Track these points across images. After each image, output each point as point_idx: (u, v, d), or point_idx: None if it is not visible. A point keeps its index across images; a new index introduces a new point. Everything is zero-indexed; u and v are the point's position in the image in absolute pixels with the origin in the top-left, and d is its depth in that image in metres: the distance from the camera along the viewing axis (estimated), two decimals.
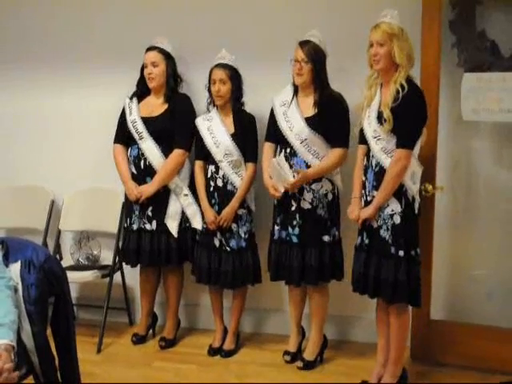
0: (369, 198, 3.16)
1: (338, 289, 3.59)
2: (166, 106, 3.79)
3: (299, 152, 3.44)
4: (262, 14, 3.88)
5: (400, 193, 3.07)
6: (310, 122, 3.42)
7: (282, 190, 3.44)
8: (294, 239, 3.49)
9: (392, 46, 3.02)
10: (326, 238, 3.47)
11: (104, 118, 4.04)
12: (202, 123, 3.72)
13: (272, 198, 3.55)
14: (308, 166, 3.43)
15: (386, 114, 3.03)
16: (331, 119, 3.40)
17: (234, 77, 3.62)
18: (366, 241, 3.18)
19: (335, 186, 3.51)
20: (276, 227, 3.58)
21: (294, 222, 3.48)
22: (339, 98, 3.45)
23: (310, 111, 3.45)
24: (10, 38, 4.29)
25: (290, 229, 3.50)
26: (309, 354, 3.62)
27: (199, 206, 3.75)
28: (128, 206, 3.88)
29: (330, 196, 3.48)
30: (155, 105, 3.82)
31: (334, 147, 3.42)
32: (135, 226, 3.81)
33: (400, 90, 3.01)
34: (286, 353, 3.69)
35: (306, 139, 3.42)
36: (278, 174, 3.42)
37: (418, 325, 3.56)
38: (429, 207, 3.43)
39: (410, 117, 3.03)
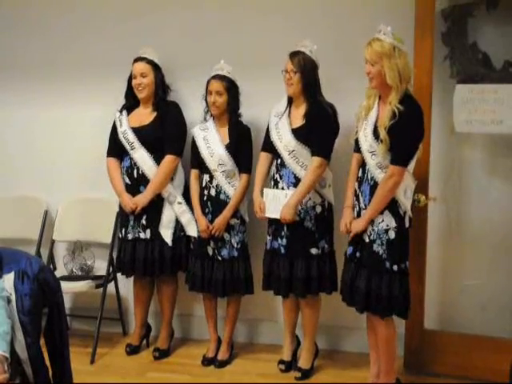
0: (363, 212, 3.15)
1: (330, 299, 3.59)
2: (154, 115, 3.81)
3: (287, 163, 3.46)
4: (257, 25, 3.90)
5: (394, 208, 3.08)
6: (297, 133, 3.44)
7: (275, 217, 3.47)
8: (282, 250, 3.51)
9: (382, 65, 3.00)
10: (314, 251, 3.47)
11: (98, 129, 4.05)
12: (198, 133, 3.74)
13: (256, 214, 3.58)
14: (296, 178, 3.45)
15: (383, 135, 3.01)
16: (316, 129, 3.41)
17: (231, 88, 3.64)
18: (358, 253, 3.17)
19: (325, 199, 3.50)
20: (268, 237, 3.59)
21: (282, 233, 3.50)
22: (328, 108, 3.44)
23: (299, 122, 3.46)
24: (2, 50, 4.30)
25: (279, 239, 3.52)
26: (305, 363, 3.62)
27: (193, 214, 3.76)
28: (123, 217, 3.88)
29: (318, 208, 3.48)
30: (144, 114, 3.84)
31: (312, 155, 3.42)
32: (130, 236, 3.82)
33: (396, 111, 2.99)
34: (281, 362, 3.69)
35: (293, 150, 3.44)
36: (269, 203, 3.50)
37: (411, 335, 3.57)
38: (422, 218, 3.44)
39: (406, 135, 3.02)
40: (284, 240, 3.50)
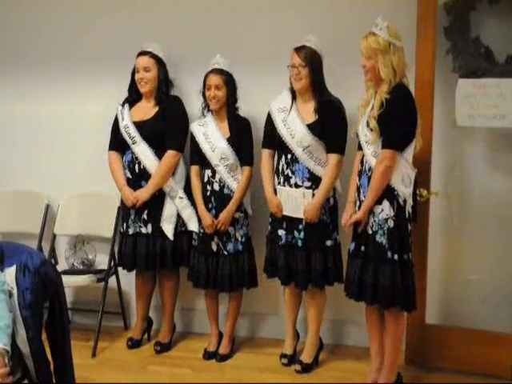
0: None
1: (333, 293, 3.60)
2: (156, 109, 3.81)
3: (301, 159, 3.45)
4: (256, 19, 3.90)
5: (392, 197, 3.08)
6: (313, 128, 3.43)
7: (291, 215, 3.48)
8: (300, 243, 3.50)
9: (377, 60, 3.05)
10: (329, 243, 3.49)
11: (99, 123, 4.05)
12: (197, 129, 3.73)
13: (274, 214, 3.58)
14: (310, 172, 3.45)
15: (372, 124, 3.06)
16: (331, 125, 3.41)
17: (229, 82, 3.64)
18: (363, 248, 3.17)
19: (336, 191, 3.53)
20: (281, 231, 3.56)
21: (300, 227, 3.49)
22: (339, 103, 3.46)
23: (311, 117, 3.46)
24: (2, 43, 4.30)
25: (295, 233, 3.51)
26: (306, 357, 3.63)
27: (195, 208, 3.76)
28: (124, 211, 3.88)
29: (331, 201, 3.51)
30: (146, 109, 3.83)
31: (329, 152, 3.44)
32: (131, 231, 3.82)
33: (383, 100, 3.03)
34: (283, 355, 3.70)
35: (308, 146, 3.43)
36: (285, 202, 3.51)
37: (412, 329, 3.57)
38: (423, 212, 3.44)
39: (393, 119, 3.04)
40: (302, 233, 3.49)
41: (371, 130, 3.08)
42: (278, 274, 3.62)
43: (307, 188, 3.46)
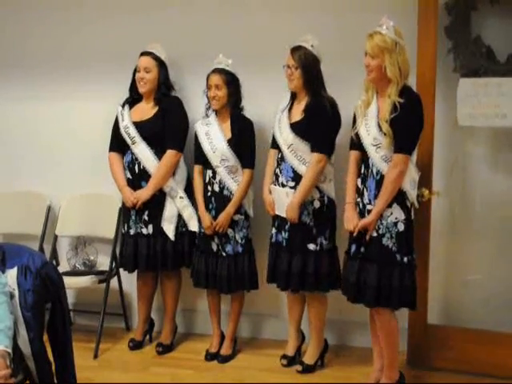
0: (369, 207, 3.13)
1: (337, 294, 3.58)
2: (156, 109, 3.80)
3: (286, 157, 3.46)
4: (261, 21, 3.88)
5: (402, 200, 3.08)
6: (295, 127, 3.43)
7: (280, 214, 3.49)
8: (284, 243, 3.51)
9: (383, 59, 3.02)
10: (312, 247, 3.46)
11: (100, 124, 4.03)
12: (200, 128, 3.73)
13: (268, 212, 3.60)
14: (294, 172, 3.44)
15: (385, 128, 3.03)
16: (314, 124, 3.40)
17: (231, 82, 3.63)
18: (362, 249, 3.15)
19: (324, 195, 3.48)
20: (274, 230, 3.59)
21: (286, 227, 3.49)
22: (328, 102, 3.42)
23: (298, 116, 3.46)
24: (3, 45, 4.31)
25: (283, 233, 3.52)
26: (308, 358, 3.62)
27: (195, 208, 3.76)
28: (125, 212, 3.88)
29: (316, 204, 3.46)
30: (146, 109, 3.83)
31: (311, 151, 3.41)
32: (132, 231, 3.82)
33: (397, 104, 3.01)
34: (284, 356, 3.69)
35: (291, 144, 3.43)
36: (275, 201, 3.52)
37: (414, 329, 3.57)
38: (425, 212, 3.43)
39: (408, 123, 3.03)
40: (286, 234, 3.49)
41: (384, 134, 3.04)
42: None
43: (291, 188, 3.45)
